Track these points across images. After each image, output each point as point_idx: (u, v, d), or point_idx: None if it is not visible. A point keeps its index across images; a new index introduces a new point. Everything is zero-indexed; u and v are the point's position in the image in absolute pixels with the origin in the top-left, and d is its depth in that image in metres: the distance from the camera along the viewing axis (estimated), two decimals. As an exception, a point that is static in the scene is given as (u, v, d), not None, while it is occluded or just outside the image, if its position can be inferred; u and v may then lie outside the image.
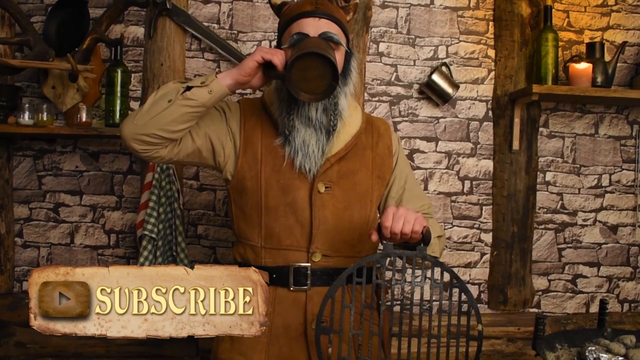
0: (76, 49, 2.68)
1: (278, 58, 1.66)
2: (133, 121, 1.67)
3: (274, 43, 2.90)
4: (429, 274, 1.53)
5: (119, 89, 2.71)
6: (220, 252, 2.94)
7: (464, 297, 1.50)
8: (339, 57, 1.76)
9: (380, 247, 1.58)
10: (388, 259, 1.53)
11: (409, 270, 1.50)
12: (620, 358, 1.75)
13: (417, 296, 2.86)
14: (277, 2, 1.88)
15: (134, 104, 2.88)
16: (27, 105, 2.66)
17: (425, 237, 1.54)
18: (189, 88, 1.65)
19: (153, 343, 2.87)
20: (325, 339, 1.60)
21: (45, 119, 2.65)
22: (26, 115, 2.65)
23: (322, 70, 1.62)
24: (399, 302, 2.71)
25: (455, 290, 1.51)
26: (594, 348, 1.75)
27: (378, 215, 1.91)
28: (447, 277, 1.51)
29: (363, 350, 1.69)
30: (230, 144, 1.82)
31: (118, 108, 2.72)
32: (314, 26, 1.74)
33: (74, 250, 2.91)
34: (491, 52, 3.08)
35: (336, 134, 1.80)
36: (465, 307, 1.52)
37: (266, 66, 1.68)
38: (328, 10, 1.79)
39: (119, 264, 2.92)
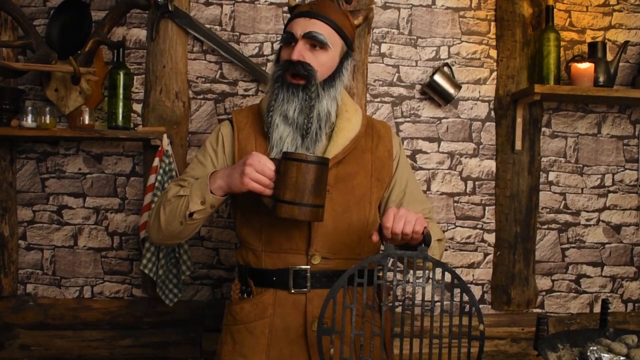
0: (78, 52, 2.69)
1: (269, 189, 1.66)
2: (158, 236, 1.86)
3: (276, 45, 2.91)
4: (430, 274, 1.53)
5: (121, 91, 2.72)
6: (224, 254, 2.95)
7: (465, 297, 1.50)
8: (325, 58, 1.80)
9: (382, 248, 1.58)
10: (389, 259, 1.54)
11: (411, 271, 1.50)
12: (622, 358, 1.75)
13: (418, 297, 2.86)
14: (292, 4, 1.95)
15: (136, 106, 2.88)
16: (30, 108, 2.67)
17: (426, 238, 1.54)
18: (191, 214, 1.74)
19: (157, 345, 2.88)
20: (327, 340, 1.60)
21: (48, 121, 2.66)
22: (29, 118, 2.66)
23: None
24: (400, 303, 2.70)
25: (457, 291, 1.51)
26: (595, 348, 1.75)
27: (378, 217, 1.91)
28: (448, 277, 1.51)
29: (365, 351, 1.69)
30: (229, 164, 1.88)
31: (120, 110, 2.72)
32: (302, 26, 1.79)
33: (78, 253, 2.92)
34: (493, 53, 3.07)
35: (333, 138, 1.83)
36: (467, 307, 1.52)
37: None
38: (323, 11, 1.81)
39: (122, 265, 2.92)
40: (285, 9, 2.93)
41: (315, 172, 1.62)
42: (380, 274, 1.73)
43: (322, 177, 1.65)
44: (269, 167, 1.64)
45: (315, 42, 1.78)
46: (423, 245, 1.54)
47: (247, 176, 1.63)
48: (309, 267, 1.79)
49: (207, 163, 1.89)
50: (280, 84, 1.78)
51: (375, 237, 1.58)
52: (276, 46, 2.93)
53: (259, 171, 1.63)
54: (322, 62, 1.79)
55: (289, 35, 1.79)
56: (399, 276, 1.50)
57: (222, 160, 1.90)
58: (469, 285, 3.01)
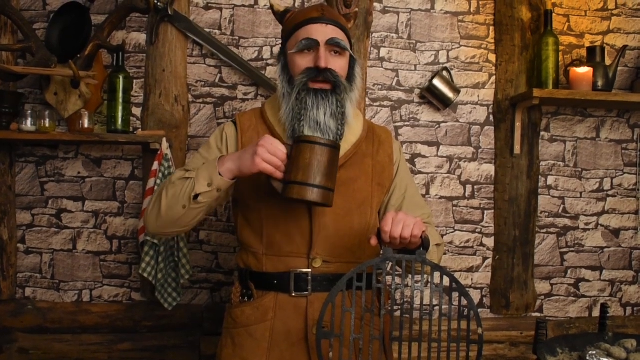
0: (78, 56, 2.70)
1: (280, 171, 1.65)
2: (156, 224, 1.79)
3: (276, 49, 2.92)
4: (429, 278, 1.53)
5: (121, 95, 2.72)
6: (222, 258, 2.95)
7: (464, 301, 1.50)
8: (344, 63, 1.80)
9: (381, 252, 1.58)
10: (388, 263, 1.54)
11: (410, 275, 1.51)
12: (621, 362, 1.75)
13: (417, 300, 2.86)
14: (280, 9, 1.91)
15: (136, 110, 2.89)
16: (29, 111, 2.67)
17: (424, 242, 1.55)
18: (197, 195, 1.69)
19: (156, 349, 2.88)
20: (326, 343, 1.60)
21: (47, 125, 2.66)
22: (28, 121, 2.66)
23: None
24: (399, 307, 2.69)
25: (456, 295, 1.51)
26: (594, 352, 1.75)
27: (378, 221, 1.91)
28: (447, 281, 1.51)
29: (364, 354, 1.69)
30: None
31: (120, 114, 2.72)
32: (322, 32, 1.77)
33: (76, 256, 2.92)
34: (492, 57, 3.08)
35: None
36: (465, 311, 1.52)
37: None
38: (334, 17, 1.83)
39: (121, 269, 2.92)
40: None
41: (328, 155, 1.63)
42: (380, 277, 1.73)
43: (334, 160, 1.65)
44: (281, 149, 1.64)
45: (337, 49, 1.78)
46: (421, 249, 1.55)
47: (259, 156, 1.62)
48: (310, 270, 1.79)
49: (211, 159, 1.88)
50: (306, 91, 1.75)
51: (374, 241, 1.58)
52: (276, 50, 2.93)
53: (272, 152, 1.63)
54: (342, 67, 1.79)
55: (311, 42, 1.76)
56: (398, 280, 1.50)
57: (230, 151, 1.88)
58: (468, 289, 3.02)
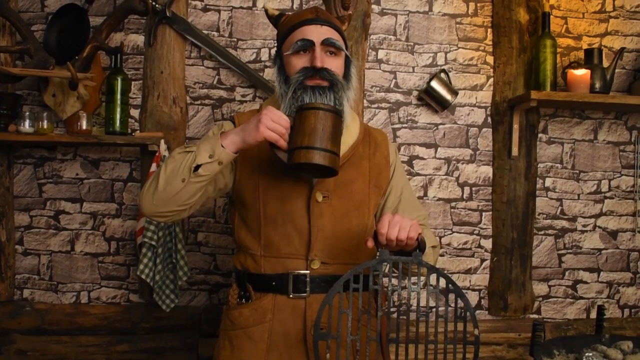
0: (76, 57, 2.70)
1: (283, 139, 1.64)
2: (152, 201, 1.70)
3: (274, 51, 2.92)
4: (425, 280, 1.53)
5: (119, 96, 2.72)
6: (221, 259, 2.95)
7: (460, 302, 1.50)
8: (339, 63, 1.80)
9: (377, 254, 1.58)
10: (385, 265, 1.54)
11: (406, 277, 1.51)
12: (617, 364, 1.75)
13: (414, 302, 2.86)
14: (275, 14, 1.92)
15: (134, 112, 2.89)
16: (27, 113, 2.67)
17: (420, 244, 1.55)
18: (198, 166, 1.65)
19: (154, 351, 2.88)
20: (324, 344, 1.60)
21: (45, 126, 2.66)
22: (27, 123, 2.66)
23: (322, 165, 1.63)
24: (395, 309, 2.70)
25: (453, 296, 1.51)
26: (591, 354, 1.75)
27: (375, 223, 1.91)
28: (443, 283, 1.51)
29: (361, 355, 1.70)
30: (232, 168, 1.84)
31: (118, 116, 2.72)
32: (317, 33, 1.77)
33: (74, 258, 2.92)
34: (490, 59, 3.09)
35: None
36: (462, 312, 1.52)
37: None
38: (328, 18, 1.84)
39: (119, 271, 2.92)
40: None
41: (332, 120, 1.63)
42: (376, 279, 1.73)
43: (338, 126, 1.65)
44: (285, 118, 1.64)
45: (332, 49, 1.78)
46: (418, 251, 1.55)
47: (263, 124, 1.61)
48: (308, 272, 1.79)
49: None
50: (302, 89, 1.74)
51: (370, 243, 1.58)
52: (274, 52, 2.93)
53: (275, 121, 1.62)
54: (338, 67, 1.79)
55: (307, 42, 1.76)
56: (394, 281, 1.50)
57: None
58: (465, 291, 3.02)
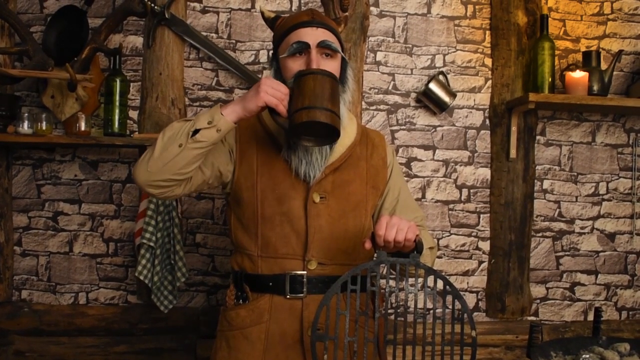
0: (75, 59, 2.70)
1: (283, 105, 1.65)
2: (146, 168, 1.67)
3: (271, 53, 2.92)
4: (423, 281, 1.54)
5: (117, 98, 2.73)
6: (219, 261, 2.95)
7: (458, 304, 1.50)
8: (335, 65, 1.80)
9: (375, 255, 1.59)
10: (382, 266, 1.55)
11: (403, 278, 1.51)
12: (614, 365, 1.75)
13: (412, 303, 2.87)
14: (271, 16, 1.92)
15: (132, 113, 2.89)
16: (26, 114, 2.68)
17: (418, 245, 1.55)
18: (196, 130, 1.65)
19: (152, 352, 2.88)
20: (321, 345, 1.60)
21: (44, 128, 2.67)
22: (25, 124, 2.66)
23: (324, 126, 1.63)
24: (392, 311, 2.69)
25: (450, 298, 1.52)
26: (588, 356, 1.76)
27: (372, 224, 1.92)
28: (441, 284, 1.52)
29: (358, 357, 1.70)
30: (232, 163, 1.84)
31: (117, 117, 2.73)
32: (312, 35, 1.77)
33: (73, 259, 2.92)
34: (488, 61, 3.09)
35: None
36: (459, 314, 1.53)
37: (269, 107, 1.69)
38: (324, 20, 1.84)
39: (117, 272, 2.93)
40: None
41: (330, 83, 1.66)
42: (374, 280, 1.74)
43: (336, 89, 1.68)
44: (284, 86, 1.67)
45: (328, 51, 1.79)
46: (415, 252, 1.55)
47: (263, 90, 1.63)
48: (305, 272, 1.79)
49: None
50: None
51: (368, 245, 1.59)
52: (271, 53, 2.94)
53: (275, 87, 1.65)
54: (334, 69, 1.79)
55: (302, 45, 1.76)
56: (392, 283, 1.51)
57: (225, 148, 1.86)
58: (463, 293, 3.03)
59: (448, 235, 3.07)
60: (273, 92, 1.64)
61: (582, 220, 3.15)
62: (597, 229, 3.16)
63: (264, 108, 1.66)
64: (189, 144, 1.64)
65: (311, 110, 1.60)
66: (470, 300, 3.08)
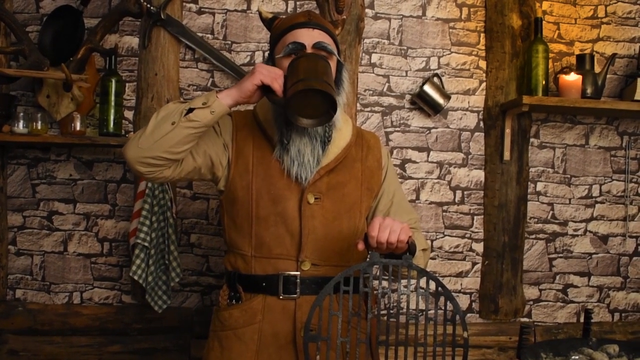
0: (71, 59, 2.71)
1: (278, 83, 1.67)
2: (137, 144, 1.66)
3: (267, 54, 2.92)
4: (415, 282, 1.55)
5: (113, 98, 2.74)
6: (213, 261, 2.96)
7: (450, 305, 1.51)
8: (332, 67, 1.80)
9: (368, 257, 1.60)
10: (375, 267, 1.55)
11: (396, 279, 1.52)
12: (603, 367, 1.76)
13: (404, 305, 2.88)
14: (268, 17, 1.93)
15: (128, 113, 2.90)
16: (21, 114, 2.68)
17: (410, 247, 1.56)
18: (191, 110, 1.65)
19: (146, 351, 2.89)
20: (314, 346, 1.61)
21: (39, 127, 2.67)
22: (21, 124, 2.67)
23: (320, 99, 1.64)
24: (385, 311, 2.70)
25: (442, 299, 1.53)
26: (577, 357, 1.76)
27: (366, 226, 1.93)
28: (433, 285, 1.53)
29: (351, 357, 1.71)
30: (225, 157, 1.85)
31: (112, 117, 2.74)
32: (308, 36, 1.78)
33: (67, 259, 2.92)
34: (482, 64, 3.11)
35: (329, 145, 1.83)
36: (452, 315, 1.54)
37: (265, 88, 1.69)
38: (320, 21, 1.85)
39: (111, 272, 2.93)
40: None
41: (323, 63, 1.70)
42: (367, 281, 1.74)
43: (329, 69, 1.71)
44: (278, 68, 1.72)
45: (324, 53, 1.79)
46: (408, 254, 1.56)
47: (258, 71, 1.67)
48: (298, 273, 1.80)
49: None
50: None
51: (361, 246, 1.59)
52: (267, 55, 2.95)
53: (269, 69, 1.69)
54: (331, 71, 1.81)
55: (298, 45, 1.76)
56: (384, 284, 1.51)
57: (220, 141, 1.87)
58: (457, 294, 3.04)
59: (442, 237, 3.08)
60: (268, 72, 1.67)
61: (575, 222, 3.17)
62: (590, 231, 3.18)
63: (259, 88, 1.68)
64: (181, 122, 1.65)
65: (307, 81, 1.62)
66: (464, 301, 3.09)
